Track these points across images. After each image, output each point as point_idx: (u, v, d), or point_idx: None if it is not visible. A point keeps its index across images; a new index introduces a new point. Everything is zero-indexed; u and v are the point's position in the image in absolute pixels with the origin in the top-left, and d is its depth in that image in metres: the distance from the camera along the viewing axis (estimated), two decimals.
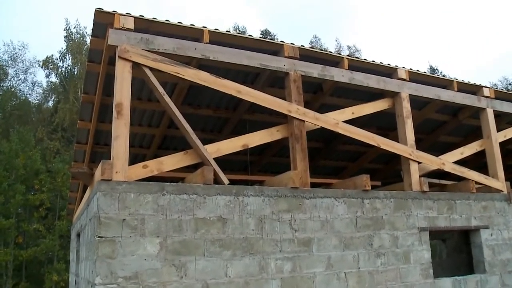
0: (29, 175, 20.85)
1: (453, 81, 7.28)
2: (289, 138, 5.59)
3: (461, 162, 7.11)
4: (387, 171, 9.87)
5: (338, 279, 5.17)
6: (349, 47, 36.08)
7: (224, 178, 4.86)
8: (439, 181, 7.25)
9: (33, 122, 26.94)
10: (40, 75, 39.95)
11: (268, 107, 5.53)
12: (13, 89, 29.49)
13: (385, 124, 7.85)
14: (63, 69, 28.52)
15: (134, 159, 4.76)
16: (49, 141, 24.06)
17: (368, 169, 8.74)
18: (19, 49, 29.74)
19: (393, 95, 6.60)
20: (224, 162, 5.09)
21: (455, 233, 8.42)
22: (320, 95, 6.95)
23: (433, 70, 35.28)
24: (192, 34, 5.22)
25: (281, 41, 5.88)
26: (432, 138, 9.05)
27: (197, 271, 4.37)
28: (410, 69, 6.79)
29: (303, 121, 5.59)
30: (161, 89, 4.91)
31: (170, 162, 4.78)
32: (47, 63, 28.36)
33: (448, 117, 8.50)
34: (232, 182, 4.95)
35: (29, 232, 20.21)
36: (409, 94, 6.62)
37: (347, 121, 6.08)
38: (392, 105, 6.64)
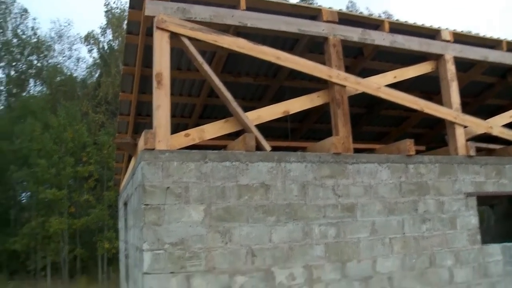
0: (77, 148, 21.58)
1: (502, 41, 6.94)
2: (330, 104, 5.51)
3: (510, 126, 6.84)
4: (431, 136, 9.63)
5: (383, 244, 5.14)
6: (383, 13, 34.99)
7: (266, 144, 4.85)
8: (487, 145, 7.00)
9: (78, 97, 27.66)
10: (83, 51, 40.91)
11: (308, 73, 5.46)
12: (59, 66, 30.32)
13: (428, 87, 7.61)
14: (104, 44, 29.00)
15: (176, 129, 4.81)
16: (94, 115, 24.68)
17: (411, 134, 8.55)
18: (65, 26, 30.42)
19: (437, 58, 6.37)
20: (265, 129, 5.07)
21: (503, 199, 8.18)
22: (360, 59, 6.79)
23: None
24: (229, 1, 5.17)
25: (319, 6, 5.75)
26: (478, 101, 8.73)
27: (241, 237, 4.43)
28: (454, 30, 6.52)
29: (344, 86, 5.49)
30: (200, 58, 4.91)
31: (212, 130, 4.81)
32: (89, 39, 28.87)
33: (496, 79, 8.16)
34: (274, 149, 4.95)
35: (80, 203, 21.06)
36: (454, 56, 6.37)
37: (389, 85, 5.93)
38: (435, 68, 6.42)
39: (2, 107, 29.99)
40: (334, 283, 4.78)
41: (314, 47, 6.12)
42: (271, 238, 4.56)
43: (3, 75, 29.55)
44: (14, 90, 29.89)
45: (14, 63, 29.47)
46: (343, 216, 5.00)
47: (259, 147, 4.82)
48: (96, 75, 29.91)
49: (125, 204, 6.82)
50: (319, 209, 4.89)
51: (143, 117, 7.65)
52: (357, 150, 5.54)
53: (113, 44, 28.49)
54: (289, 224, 4.69)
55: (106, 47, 28.88)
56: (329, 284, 4.75)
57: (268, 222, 4.58)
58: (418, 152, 5.79)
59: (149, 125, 4.70)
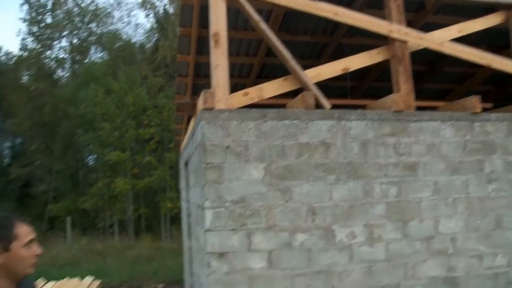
0: (138, 111, 22.25)
1: None
2: (391, 60, 5.32)
3: None
4: (499, 93, 9.15)
5: (446, 204, 5.01)
6: None
7: (325, 102, 4.79)
8: None
9: (137, 62, 28.30)
10: (141, 17, 41.54)
11: (367, 28, 5.27)
12: (118, 32, 31.06)
13: (496, 42, 7.18)
14: (161, 8, 29.38)
15: (234, 89, 4.81)
16: (153, 78, 25.23)
17: (477, 91, 8.13)
18: None
19: (508, 8, 5.97)
20: (324, 88, 4.99)
21: None
22: (422, 13, 6.47)
23: None
24: None
25: None
26: None
27: (301, 195, 4.45)
28: None
29: (405, 41, 5.27)
30: (256, 17, 4.85)
31: (270, 88, 4.78)
32: (145, 4, 29.30)
33: None
34: (333, 107, 4.86)
35: (142, 164, 21.85)
36: None
37: (453, 40, 5.63)
38: (505, 20, 6.01)
39: (67, 74, 31.27)
40: (395, 242, 4.73)
41: (373, 2, 5.89)
42: (331, 197, 4.55)
43: (67, 44, 30.67)
44: (77, 58, 31.00)
45: (76, 32, 30.44)
46: (404, 175, 4.89)
47: (318, 105, 4.76)
48: (154, 39, 30.41)
49: (186, 164, 6.98)
50: (380, 167, 4.81)
51: (201, 78, 7.72)
52: (419, 108, 5.35)
53: (169, 8, 28.79)
54: (350, 183, 4.65)
55: (162, 11, 29.24)
56: (390, 243, 4.71)
57: (328, 181, 4.56)
58: (484, 110, 5.52)
59: (208, 86, 4.73)
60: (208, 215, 4.24)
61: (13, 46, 55.28)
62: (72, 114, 24.71)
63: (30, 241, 2.08)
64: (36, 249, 2.11)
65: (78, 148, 28.19)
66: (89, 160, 29.91)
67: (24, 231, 2.07)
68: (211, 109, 4.37)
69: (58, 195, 26.70)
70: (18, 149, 33.74)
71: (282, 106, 5.07)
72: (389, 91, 5.41)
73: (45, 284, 9.65)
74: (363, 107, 5.73)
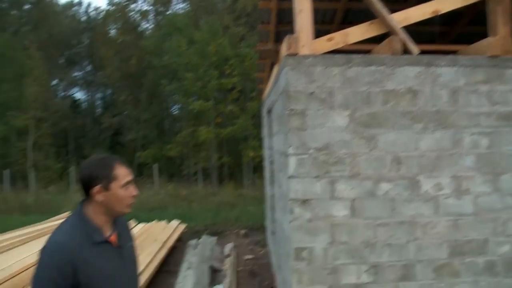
0: (220, 61, 22.49)
1: None
2: (488, 1, 4.92)
3: None
4: None
5: None
6: None
7: (413, 47, 4.54)
8: None
9: (218, 12, 28.38)
10: None
11: None
12: None
13: None
14: None
15: (317, 35, 4.69)
16: (235, 28, 25.24)
17: None
18: None
19: None
20: (411, 33, 4.72)
21: None
22: None
23: None
24: None
25: None
26: None
27: (386, 144, 4.32)
28: None
29: None
30: None
31: (356, 33, 4.60)
32: None
33: None
34: (422, 53, 4.61)
35: (225, 113, 22.27)
36: None
37: None
38: None
39: (151, 26, 32.12)
40: (484, 196, 4.51)
41: None
42: (418, 146, 4.39)
43: None
44: (160, 9, 31.66)
45: None
46: (498, 125, 4.58)
47: (406, 51, 4.53)
48: None
49: (269, 111, 7.01)
50: (471, 117, 4.54)
51: (284, 25, 7.59)
52: None
53: None
54: (437, 132, 4.45)
55: None
56: (479, 196, 4.50)
57: (415, 129, 4.39)
58: None
59: (291, 32, 4.63)
60: (292, 162, 4.26)
61: (102, 1, 57.43)
62: (156, 65, 25.55)
63: (128, 182, 2.20)
64: (133, 190, 2.23)
65: (163, 98, 29.29)
66: (173, 109, 31.07)
67: (123, 173, 2.19)
68: (295, 54, 4.30)
69: (146, 143, 28.15)
70: (108, 99, 35.75)
71: (368, 52, 4.89)
72: (483, 36, 5.03)
73: (136, 225, 10.31)
74: (453, 53, 5.39)
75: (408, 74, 4.40)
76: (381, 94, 4.34)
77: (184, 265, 7.28)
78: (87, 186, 2.15)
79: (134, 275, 2.41)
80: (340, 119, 4.29)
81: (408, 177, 4.37)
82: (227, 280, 6.47)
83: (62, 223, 2.20)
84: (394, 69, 4.37)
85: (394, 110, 4.35)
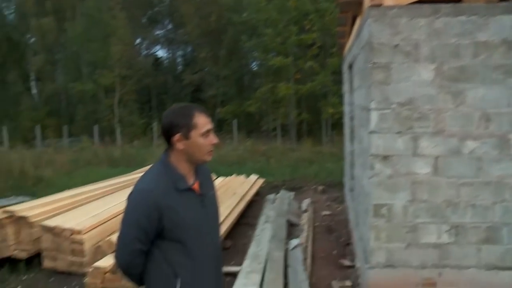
0: (300, 16, 22.10)
1: None
2: None
3: None
4: None
5: None
6: None
7: None
8: None
9: None
10: None
11: None
12: None
13: None
14: None
15: None
16: None
17: None
18: None
19: None
20: None
21: None
22: None
23: None
24: None
25: None
26: None
27: (475, 99, 4.07)
28: None
29: None
30: None
31: None
32: None
33: None
34: None
35: (304, 70, 22.03)
36: None
37: None
38: None
39: None
40: None
41: None
42: (510, 102, 4.10)
43: None
44: None
45: None
46: None
47: None
48: None
49: (350, 66, 6.84)
50: None
51: None
52: None
53: None
54: None
55: None
56: None
57: (508, 84, 4.06)
58: None
59: None
60: (374, 116, 4.15)
61: None
62: (236, 21, 25.58)
63: (208, 131, 2.24)
64: (213, 138, 2.27)
65: (243, 54, 29.41)
66: (253, 65, 31.18)
67: (203, 121, 2.22)
68: (379, 5, 4.10)
69: (225, 99, 28.62)
70: (189, 57, 36.45)
71: (457, 1, 4.57)
72: None
73: (216, 178, 10.62)
74: None
75: (504, 24, 4.04)
76: (471, 46, 4.06)
77: (262, 219, 7.43)
78: (168, 134, 2.21)
79: (215, 223, 2.48)
80: (426, 73, 4.08)
81: (497, 135, 4.12)
82: (303, 235, 6.55)
83: (147, 171, 2.30)
84: (487, 19, 4.05)
85: (485, 64, 4.06)
